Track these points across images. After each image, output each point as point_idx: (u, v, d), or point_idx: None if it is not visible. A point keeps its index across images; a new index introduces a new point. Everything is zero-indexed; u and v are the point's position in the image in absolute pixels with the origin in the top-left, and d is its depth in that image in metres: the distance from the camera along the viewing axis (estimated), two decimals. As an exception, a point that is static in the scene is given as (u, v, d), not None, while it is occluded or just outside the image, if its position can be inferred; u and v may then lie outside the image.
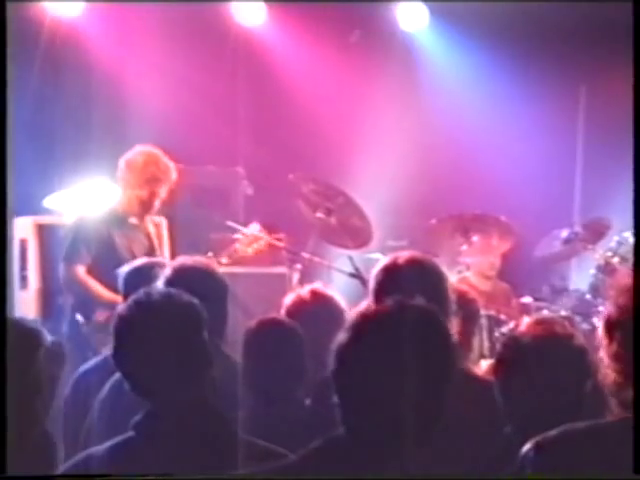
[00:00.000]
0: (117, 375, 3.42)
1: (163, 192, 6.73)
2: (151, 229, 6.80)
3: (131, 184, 6.69)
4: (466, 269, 7.68)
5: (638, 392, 2.55)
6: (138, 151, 6.75)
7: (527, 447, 2.71)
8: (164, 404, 2.87)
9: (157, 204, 6.77)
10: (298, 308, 4.71)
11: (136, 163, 6.69)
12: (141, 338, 2.90)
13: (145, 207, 6.75)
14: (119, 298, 6.30)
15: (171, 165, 6.73)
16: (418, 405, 2.42)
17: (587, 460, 2.60)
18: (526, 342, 3.32)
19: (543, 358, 3.27)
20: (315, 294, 4.78)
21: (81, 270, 6.55)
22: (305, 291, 4.87)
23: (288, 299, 4.91)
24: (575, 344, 3.30)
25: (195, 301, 2.99)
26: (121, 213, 6.73)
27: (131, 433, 2.94)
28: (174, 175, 6.73)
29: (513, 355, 3.34)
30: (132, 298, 3.00)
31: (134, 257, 6.53)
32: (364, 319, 2.48)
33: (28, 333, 3.00)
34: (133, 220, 6.76)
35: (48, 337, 3.30)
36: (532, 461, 2.65)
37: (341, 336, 2.49)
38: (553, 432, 2.68)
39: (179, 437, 2.79)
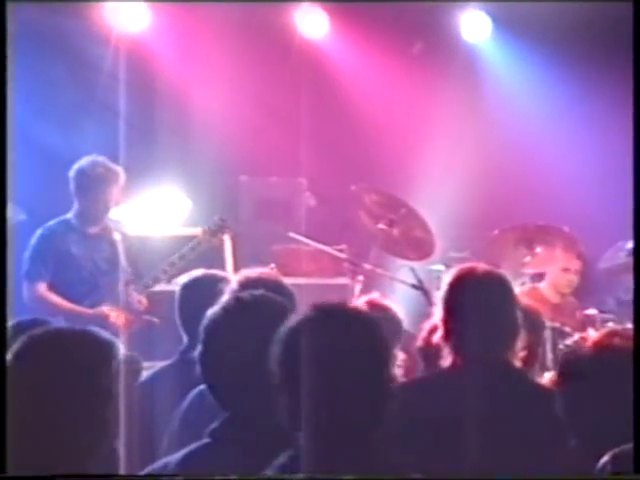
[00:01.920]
0: (200, 387, 3.47)
1: (115, 198, 6.66)
2: (116, 237, 6.70)
3: (82, 193, 6.65)
4: (530, 281, 7.64)
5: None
6: (85, 160, 6.69)
7: (604, 460, 2.70)
8: (250, 411, 2.83)
9: (110, 210, 6.70)
10: None
11: (83, 172, 6.63)
12: (233, 342, 2.85)
13: (96, 214, 6.68)
14: (80, 309, 6.41)
15: (119, 170, 6.65)
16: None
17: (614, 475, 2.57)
18: (589, 354, 3.30)
19: (605, 370, 3.24)
20: (372, 304, 4.78)
21: (41, 287, 6.50)
22: (362, 301, 4.89)
23: None
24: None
25: (287, 303, 3.00)
26: (77, 224, 6.68)
27: (207, 440, 2.94)
28: (123, 180, 6.65)
29: (575, 367, 3.31)
30: (222, 303, 2.96)
31: (97, 267, 6.60)
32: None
33: (102, 344, 2.98)
34: (92, 229, 6.71)
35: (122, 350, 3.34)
36: (610, 472, 2.62)
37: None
38: (630, 444, 2.65)
39: (258, 444, 2.75)
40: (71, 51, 8.02)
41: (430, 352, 4.22)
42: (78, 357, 2.89)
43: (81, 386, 2.82)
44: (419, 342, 4.37)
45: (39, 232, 6.65)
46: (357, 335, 2.64)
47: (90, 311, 6.48)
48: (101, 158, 6.69)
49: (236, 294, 3.02)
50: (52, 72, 7.90)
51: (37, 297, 6.52)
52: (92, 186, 6.61)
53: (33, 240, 6.63)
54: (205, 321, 2.94)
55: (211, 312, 2.93)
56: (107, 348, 2.96)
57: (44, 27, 7.90)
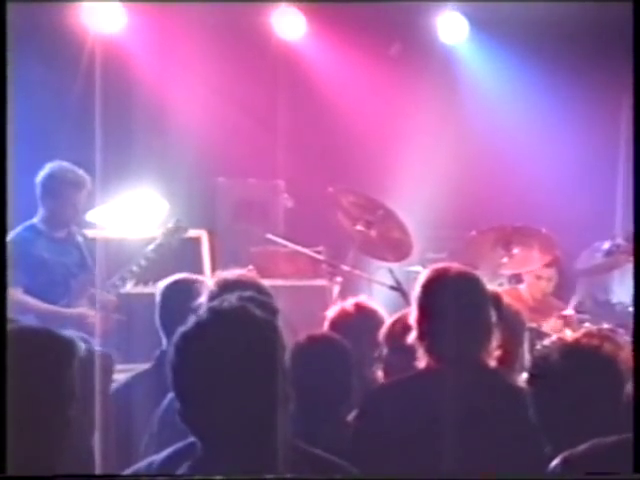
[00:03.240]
0: None
1: (80, 202, 6.71)
2: (79, 239, 6.77)
3: (50, 198, 6.68)
4: (507, 282, 7.68)
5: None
6: (50, 166, 6.74)
7: (555, 462, 2.70)
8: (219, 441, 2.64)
9: (75, 214, 6.75)
10: (342, 321, 4.74)
11: (52, 177, 6.68)
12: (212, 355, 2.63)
13: (65, 219, 6.73)
14: (59, 309, 6.45)
15: (83, 175, 6.70)
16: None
17: (615, 475, 2.58)
18: (562, 355, 3.30)
19: (579, 371, 3.25)
20: (359, 307, 4.81)
21: (18, 292, 6.50)
22: (349, 304, 4.90)
23: (332, 311, 4.96)
24: (614, 357, 3.28)
25: (267, 315, 2.76)
26: (45, 229, 6.71)
27: (192, 439, 2.95)
28: (88, 184, 6.69)
29: (546, 368, 3.31)
30: (206, 306, 2.78)
31: (68, 270, 6.62)
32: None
33: (63, 343, 2.95)
34: (59, 234, 6.74)
35: (84, 347, 3.33)
36: (560, 475, 2.63)
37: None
38: (581, 447, 2.66)
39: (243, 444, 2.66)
40: (45, 52, 8.02)
41: (394, 342, 4.26)
42: (39, 355, 2.90)
43: (43, 385, 2.82)
44: (384, 331, 4.38)
45: (9, 238, 6.56)
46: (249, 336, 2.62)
47: (69, 311, 6.52)
48: (66, 164, 6.73)
49: (211, 307, 2.75)
50: (26, 73, 7.86)
51: (15, 301, 6.45)
52: (61, 191, 6.64)
53: (7, 247, 6.48)
54: (177, 337, 2.70)
55: (184, 328, 2.69)
56: (68, 347, 2.95)
57: (18, 27, 7.86)
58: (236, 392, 2.57)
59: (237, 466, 2.57)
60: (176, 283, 4.81)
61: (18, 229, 6.68)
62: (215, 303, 2.73)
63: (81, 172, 6.69)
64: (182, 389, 2.64)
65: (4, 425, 2.72)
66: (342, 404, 4.03)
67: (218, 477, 2.56)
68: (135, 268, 6.64)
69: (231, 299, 2.76)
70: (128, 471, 2.99)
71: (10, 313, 6.21)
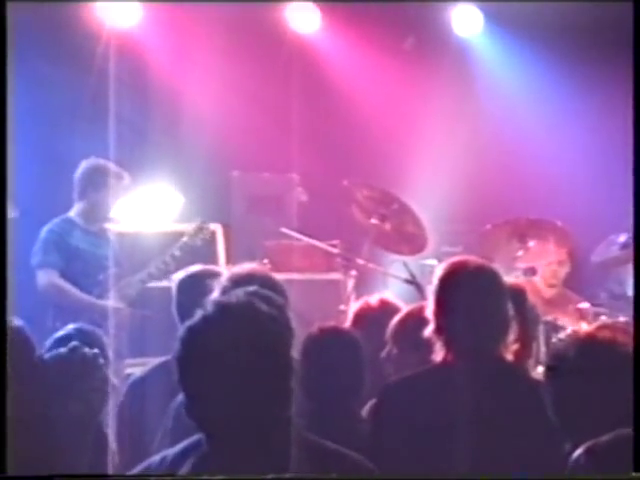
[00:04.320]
0: None
1: (115, 199, 6.88)
2: (111, 234, 6.95)
3: (91, 191, 6.84)
4: (522, 274, 7.66)
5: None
6: (87, 163, 6.89)
7: (578, 452, 2.68)
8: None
9: (110, 211, 6.92)
10: (366, 315, 4.76)
11: (94, 171, 6.85)
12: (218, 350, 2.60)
13: (105, 211, 6.90)
14: (97, 302, 6.55)
15: (120, 173, 6.86)
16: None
17: (614, 475, 2.58)
18: (579, 348, 3.29)
19: (595, 364, 3.23)
20: (383, 303, 4.84)
21: (56, 275, 6.70)
22: (374, 299, 4.94)
23: (356, 305, 5.01)
24: (630, 349, 3.27)
25: (273, 310, 2.74)
26: (80, 222, 6.87)
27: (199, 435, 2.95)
28: (125, 183, 6.87)
29: (564, 361, 3.29)
30: (212, 300, 2.75)
31: (99, 263, 6.75)
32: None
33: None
34: (94, 227, 6.89)
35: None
36: (584, 466, 2.63)
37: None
38: (605, 437, 2.65)
39: (248, 439, 2.64)
40: (63, 49, 8.03)
41: (403, 340, 4.28)
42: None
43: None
44: (391, 328, 4.40)
45: (47, 227, 6.84)
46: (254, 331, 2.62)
47: (99, 302, 6.64)
48: (103, 161, 6.86)
49: (217, 301, 2.73)
50: (43, 70, 7.90)
51: (54, 285, 6.69)
52: (105, 183, 6.80)
53: (42, 234, 6.81)
54: (183, 332, 2.68)
55: (190, 322, 2.67)
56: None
57: (35, 25, 7.90)
58: (241, 387, 2.56)
59: (241, 461, 2.57)
60: (192, 276, 4.83)
61: (55, 220, 6.86)
62: (221, 298, 2.75)
63: (120, 170, 6.85)
64: (188, 383, 2.63)
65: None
66: (353, 396, 4.04)
67: (220, 477, 2.55)
68: (162, 265, 6.76)
69: (238, 293, 2.75)
70: (141, 466, 2.98)
71: (46, 296, 6.46)
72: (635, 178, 4.74)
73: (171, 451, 2.85)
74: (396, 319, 4.42)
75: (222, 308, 2.64)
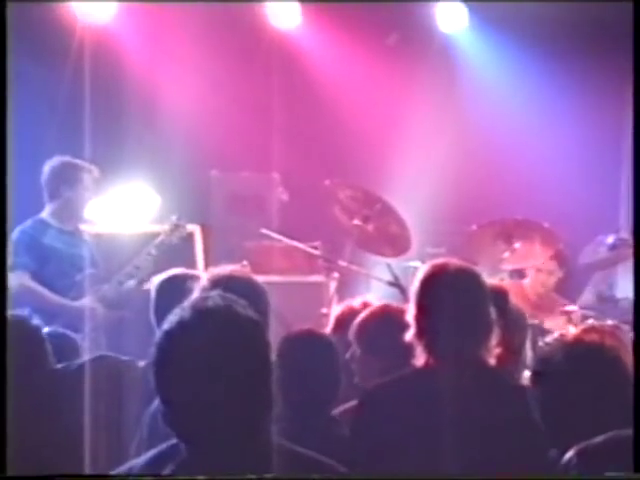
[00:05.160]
0: None
1: (89, 195, 6.85)
2: (86, 234, 6.94)
3: (64, 187, 6.81)
4: (508, 277, 7.66)
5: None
6: (53, 162, 6.87)
7: (570, 454, 2.68)
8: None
9: (85, 208, 6.88)
10: (348, 319, 4.77)
11: (55, 173, 6.82)
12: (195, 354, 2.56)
13: (72, 213, 6.86)
14: (71, 304, 6.53)
15: (89, 168, 6.83)
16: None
17: (629, 466, 2.57)
18: (565, 352, 3.30)
19: (582, 367, 3.24)
20: (366, 306, 4.86)
21: (27, 277, 6.66)
22: (357, 303, 4.99)
23: (338, 309, 5.06)
24: (617, 353, 3.27)
25: (252, 314, 2.68)
26: (54, 222, 6.84)
27: (174, 441, 2.91)
28: (95, 176, 6.83)
29: (550, 365, 3.30)
30: (189, 304, 2.68)
31: (74, 263, 6.74)
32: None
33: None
34: (69, 227, 6.87)
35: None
36: (576, 467, 2.62)
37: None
38: (598, 438, 2.65)
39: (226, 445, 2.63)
40: (34, 43, 8.01)
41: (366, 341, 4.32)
42: None
43: None
44: (354, 329, 4.41)
45: (19, 229, 6.79)
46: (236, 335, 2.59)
47: (73, 304, 6.62)
48: (71, 159, 6.84)
49: (194, 305, 2.66)
50: (17, 66, 7.86)
51: (25, 286, 6.63)
52: (77, 178, 6.77)
53: (15, 234, 6.75)
54: (159, 336, 2.64)
55: (166, 326, 2.62)
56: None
57: (12, 21, 7.87)
58: (219, 393, 2.53)
59: (221, 467, 2.55)
60: (170, 279, 4.84)
61: (27, 222, 6.82)
62: (198, 302, 2.68)
63: (88, 166, 6.81)
64: (164, 389, 2.59)
65: (4, 425, 2.69)
66: (328, 399, 4.04)
67: (201, 477, 2.54)
68: (139, 265, 6.75)
69: (215, 297, 2.70)
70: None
71: (18, 299, 6.45)
72: (635, 178, 4.73)
73: (139, 460, 2.82)
74: (358, 319, 4.44)
75: (199, 312, 2.61)
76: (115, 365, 4.13)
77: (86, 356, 4.58)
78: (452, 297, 3.77)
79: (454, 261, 3.98)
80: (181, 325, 2.60)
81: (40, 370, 4.06)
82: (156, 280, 4.94)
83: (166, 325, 2.63)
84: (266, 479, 2.51)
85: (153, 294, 4.76)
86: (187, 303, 2.68)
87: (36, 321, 4.21)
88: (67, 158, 6.85)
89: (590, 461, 2.63)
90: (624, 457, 2.62)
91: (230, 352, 2.56)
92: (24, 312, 4.44)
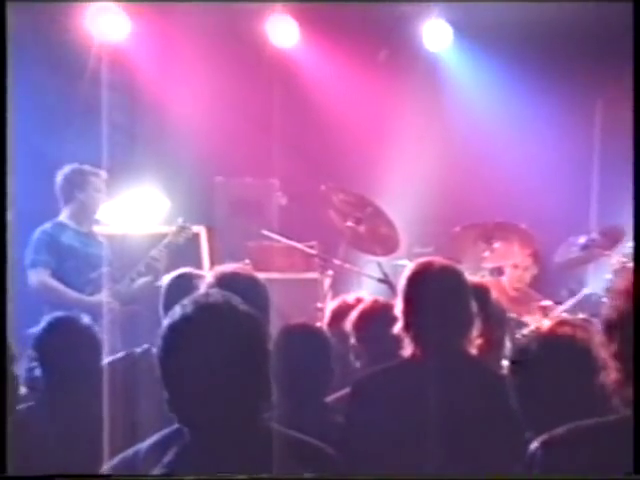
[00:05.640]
0: None
1: (99, 196, 6.90)
2: (100, 235, 6.97)
3: (78, 191, 6.86)
4: (489, 274, 7.71)
5: (638, 392, 2.50)
6: (64, 171, 6.92)
7: (534, 445, 2.66)
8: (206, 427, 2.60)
9: (98, 208, 6.93)
10: (343, 312, 4.82)
11: (77, 173, 6.87)
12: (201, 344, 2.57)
13: (87, 214, 6.90)
14: (87, 299, 6.55)
15: (96, 171, 6.88)
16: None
17: (593, 457, 2.56)
18: (540, 343, 3.30)
19: (554, 357, 3.24)
20: (359, 301, 4.91)
21: (47, 274, 6.69)
22: (351, 297, 5.06)
23: (334, 303, 5.07)
24: (588, 344, 3.30)
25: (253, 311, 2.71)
26: (71, 224, 6.88)
27: (177, 426, 2.96)
28: (103, 178, 6.89)
29: (526, 355, 3.30)
30: (191, 300, 2.69)
31: (89, 262, 6.76)
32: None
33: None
34: (84, 228, 6.90)
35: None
36: (540, 459, 2.62)
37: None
38: (559, 430, 2.63)
39: (227, 430, 2.63)
40: (58, 59, 8.03)
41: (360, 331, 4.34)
42: None
43: None
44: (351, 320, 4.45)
45: (40, 229, 6.83)
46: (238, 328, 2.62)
47: (91, 299, 6.63)
48: (84, 166, 6.89)
49: (196, 300, 2.66)
50: (35, 78, 7.91)
51: (44, 283, 6.67)
52: (90, 182, 6.82)
53: (35, 235, 6.79)
54: (164, 330, 2.65)
55: (170, 321, 2.64)
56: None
57: (27, 35, 7.91)
58: (221, 382, 2.55)
59: (222, 451, 2.56)
60: (178, 277, 4.86)
61: (47, 224, 6.85)
62: (200, 297, 2.69)
63: (99, 171, 6.87)
64: (169, 379, 2.61)
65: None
66: (321, 387, 4.06)
67: (190, 477, 2.54)
68: (149, 263, 6.78)
69: (214, 294, 2.73)
70: (115, 460, 2.94)
71: (38, 295, 6.49)
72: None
73: (143, 445, 2.82)
74: (355, 312, 4.47)
75: (201, 307, 2.63)
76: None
77: (105, 348, 4.60)
78: (436, 293, 3.80)
79: (438, 260, 4.01)
80: (184, 319, 2.62)
81: (95, 363, 4.09)
82: (166, 279, 4.98)
83: (170, 319, 2.65)
84: (258, 478, 2.51)
85: (163, 290, 4.78)
86: (189, 299, 2.70)
87: (87, 320, 4.26)
88: (76, 165, 6.89)
89: (553, 452, 2.58)
90: (584, 447, 2.58)
91: (229, 343, 2.58)
92: (74, 314, 4.46)
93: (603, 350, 2.63)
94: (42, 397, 4.03)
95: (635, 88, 5.48)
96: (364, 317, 4.42)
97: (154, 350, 4.07)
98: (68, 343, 4.08)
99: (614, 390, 2.58)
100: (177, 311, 2.64)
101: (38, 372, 4.02)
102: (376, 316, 4.31)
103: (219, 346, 2.56)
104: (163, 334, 2.64)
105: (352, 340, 4.41)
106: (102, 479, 2.85)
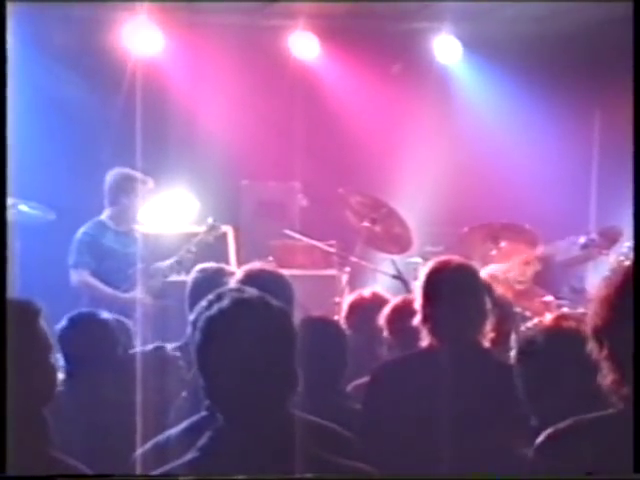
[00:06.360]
0: None
1: (142, 203, 6.93)
2: (138, 234, 6.96)
3: (123, 196, 6.88)
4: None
5: (638, 392, 2.46)
6: (115, 173, 6.95)
7: (541, 439, 2.61)
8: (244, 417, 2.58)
9: (138, 213, 6.94)
10: (359, 305, 4.81)
11: (126, 179, 6.89)
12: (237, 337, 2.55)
13: (133, 214, 6.93)
14: (124, 295, 6.59)
15: (145, 179, 6.90)
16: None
17: (596, 449, 2.51)
18: (542, 335, 3.30)
19: (555, 349, 3.23)
20: (375, 296, 4.90)
21: (88, 274, 6.73)
22: (367, 292, 5.06)
23: (351, 297, 5.08)
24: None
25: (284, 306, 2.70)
26: (111, 224, 6.91)
27: (204, 413, 2.92)
28: (150, 187, 6.92)
29: (529, 347, 3.30)
30: (226, 294, 2.66)
31: (127, 260, 6.79)
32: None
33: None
34: (123, 228, 6.91)
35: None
36: (547, 451, 2.57)
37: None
38: (563, 424, 2.59)
39: (258, 416, 2.60)
40: (95, 72, 8.11)
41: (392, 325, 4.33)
42: None
43: None
44: (383, 315, 4.43)
45: (82, 230, 6.87)
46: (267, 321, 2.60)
47: (126, 296, 6.66)
48: (129, 170, 6.92)
49: (233, 295, 2.64)
50: (81, 90, 7.98)
51: (84, 282, 6.73)
52: (135, 189, 6.86)
53: (78, 235, 6.84)
54: (202, 322, 2.63)
55: (209, 313, 2.62)
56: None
57: (72, 51, 7.98)
58: (254, 371, 2.55)
59: (253, 434, 2.55)
60: (204, 271, 4.83)
61: (89, 223, 6.90)
62: (236, 293, 2.68)
63: (145, 177, 6.90)
64: (207, 368, 2.60)
65: (4, 425, 2.63)
66: (338, 376, 4.02)
67: (190, 477, 2.51)
68: (181, 260, 6.78)
69: (249, 289, 2.73)
70: (148, 444, 2.95)
71: (78, 293, 6.50)
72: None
73: (174, 430, 2.83)
74: (388, 308, 4.46)
75: (237, 301, 2.62)
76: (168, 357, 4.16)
77: (138, 340, 4.59)
78: (453, 289, 3.79)
79: (456, 258, 3.99)
80: (221, 312, 2.60)
81: (114, 355, 4.08)
82: (193, 272, 4.95)
83: (209, 312, 2.63)
84: (258, 479, 2.48)
85: (190, 284, 4.75)
86: (224, 293, 2.68)
87: (106, 315, 4.26)
88: (127, 170, 6.89)
89: (557, 445, 2.54)
90: (587, 440, 2.51)
91: (263, 336, 2.57)
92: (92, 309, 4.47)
93: (595, 355, 2.58)
94: (64, 388, 4.01)
95: (635, 89, 5.39)
96: (396, 312, 4.39)
97: (168, 347, 4.05)
98: (87, 337, 4.07)
99: (612, 389, 2.53)
100: (215, 305, 2.63)
101: (61, 365, 4.01)
102: (406, 311, 4.27)
103: (253, 338, 2.56)
104: (201, 326, 2.62)
105: (385, 333, 4.38)
106: (102, 479, 2.82)
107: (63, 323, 4.13)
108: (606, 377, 2.55)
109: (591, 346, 2.60)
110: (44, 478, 2.60)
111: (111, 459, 3.11)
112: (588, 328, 2.62)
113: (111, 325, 4.17)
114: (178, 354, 4.00)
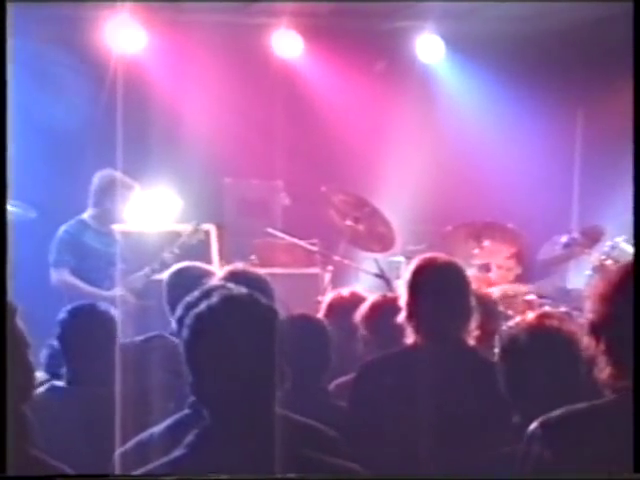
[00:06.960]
0: None
1: (123, 205, 6.95)
2: (119, 234, 6.99)
3: (106, 199, 6.92)
4: (477, 270, 7.70)
5: (638, 392, 2.49)
6: (102, 175, 6.99)
7: (533, 426, 2.63)
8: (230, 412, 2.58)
9: (119, 217, 6.97)
10: (338, 304, 4.82)
11: (102, 185, 6.94)
12: (225, 335, 2.55)
13: (115, 216, 6.96)
14: (104, 293, 6.57)
15: (131, 184, 6.96)
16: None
17: (588, 436, 2.55)
18: (524, 333, 3.30)
19: (536, 346, 3.24)
20: (354, 295, 4.90)
21: (67, 273, 6.75)
22: (345, 291, 5.05)
23: (329, 296, 5.06)
24: (571, 335, 3.29)
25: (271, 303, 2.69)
26: (93, 223, 6.94)
27: (187, 411, 2.93)
28: (132, 192, 6.97)
29: (511, 345, 3.31)
30: (214, 293, 2.66)
31: (108, 259, 6.80)
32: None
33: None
34: (105, 228, 6.94)
35: None
36: (539, 438, 2.59)
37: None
38: (556, 412, 2.61)
39: (245, 413, 2.60)
40: (76, 69, 8.07)
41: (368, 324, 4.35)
42: None
43: None
44: (360, 313, 4.44)
45: (63, 228, 6.89)
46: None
47: (107, 294, 6.64)
48: (114, 172, 6.93)
49: (221, 292, 2.64)
50: (63, 89, 7.97)
51: (64, 281, 6.74)
52: (119, 193, 6.88)
53: (59, 234, 6.87)
54: (190, 319, 2.62)
55: (197, 310, 2.61)
56: None
57: (57, 49, 7.97)
58: (242, 367, 2.54)
59: (240, 432, 2.55)
60: (181, 270, 4.85)
61: (71, 222, 6.92)
62: (224, 290, 2.69)
63: (130, 180, 6.95)
64: (194, 364, 2.60)
65: (4, 425, 2.61)
66: (321, 374, 4.02)
67: (177, 477, 2.51)
68: (163, 261, 6.78)
69: (237, 287, 2.73)
70: (131, 442, 2.95)
71: (58, 291, 6.49)
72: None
73: (157, 428, 2.82)
74: (366, 305, 4.46)
75: (226, 298, 2.62)
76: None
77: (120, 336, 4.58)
78: (438, 286, 3.80)
79: (442, 256, 4.00)
80: (210, 309, 2.59)
81: (113, 344, 4.08)
82: (170, 270, 4.94)
83: (196, 309, 2.63)
84: (258, 479, 2.48)
85: (165, 282, 4.76)
86: (213, 290, 2.69)
87: (104, 306, 4.26)
88: (114, 173, 6.89)
89: (551, 432, 2.56)
90: (578, 428, 2.56)
91: (251, 332, 2.57)
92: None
93: (592, 348, 2.60)
94: (65, 381, 4.01)
95: (635, 88, 5.39)
96: (374, 309, 4.40)
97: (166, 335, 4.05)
98: (89, 327, 4.07)
99: (608, 384, 2.56)
100: (203, 302, 2.63)
101: (61, 356, 4.01)
102: (384, 308, 4.28)
103: (241, 335, 2.55)
104: (189, 323, 2.62)
105: (362, 330, 4.38)
106: (102, 479, 2.81)
107: (63, 315, 4.12)
108: (603, 371, 2.57)
109: (588, 341, 2.62)
110: (44, 478, 2.59)
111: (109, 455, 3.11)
112: (585, 324, 2.64)
113: (111, 315, 4.18)
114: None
